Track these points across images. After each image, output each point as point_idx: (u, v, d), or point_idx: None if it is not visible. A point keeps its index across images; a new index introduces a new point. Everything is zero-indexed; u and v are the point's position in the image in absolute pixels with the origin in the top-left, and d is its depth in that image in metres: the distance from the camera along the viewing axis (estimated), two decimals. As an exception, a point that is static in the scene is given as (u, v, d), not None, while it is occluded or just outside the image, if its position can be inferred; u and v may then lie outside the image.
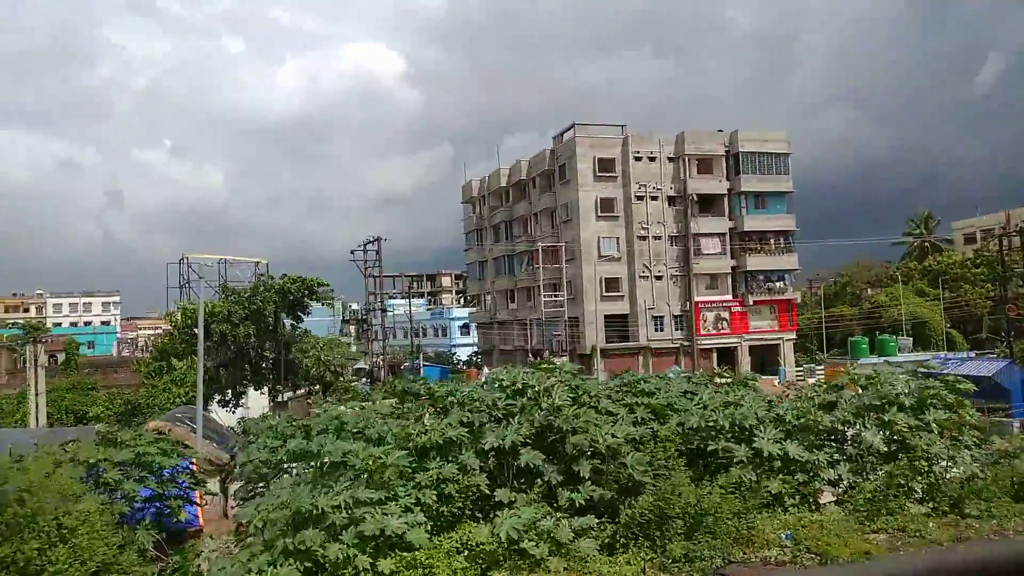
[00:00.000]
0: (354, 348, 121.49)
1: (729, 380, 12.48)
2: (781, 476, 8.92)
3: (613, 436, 8.57)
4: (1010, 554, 2.61)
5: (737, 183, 56.85)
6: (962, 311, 65.08)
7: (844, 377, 10.82)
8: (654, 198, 56.44)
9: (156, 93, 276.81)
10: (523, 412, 8.99)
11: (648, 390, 10.48)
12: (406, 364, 72.06)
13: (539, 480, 8.42)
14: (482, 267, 71.58)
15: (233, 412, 31.75)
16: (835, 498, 9.26)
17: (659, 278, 56.20)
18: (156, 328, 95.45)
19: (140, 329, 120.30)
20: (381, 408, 10.43)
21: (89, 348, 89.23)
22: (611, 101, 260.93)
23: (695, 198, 56.48)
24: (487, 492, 8.26)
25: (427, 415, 9.51)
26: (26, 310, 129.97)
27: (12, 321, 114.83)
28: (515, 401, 9.33)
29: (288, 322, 32.74)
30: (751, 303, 56.84)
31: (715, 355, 56.42)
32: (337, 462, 8.12)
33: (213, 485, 14.62)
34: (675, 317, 56.34)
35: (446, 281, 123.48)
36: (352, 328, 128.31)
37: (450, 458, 8.47)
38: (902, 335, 51.47)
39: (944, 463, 9.60)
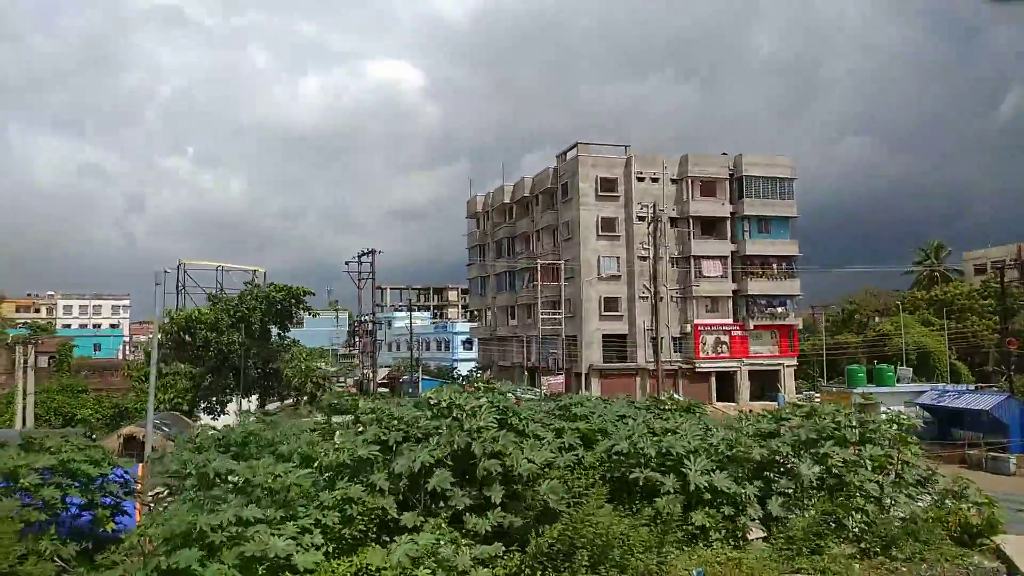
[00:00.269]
0: (357, 360, 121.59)
1: (673, 406, 12.15)
2: (706, 509, 8.60)
3: (529, 461, 8.30)
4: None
5: (740, 207, 56.49)
6: (969, 343, 64.08)
7: (789, 409, 10.48)
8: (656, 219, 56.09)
9: (182, 102, 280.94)
10: (443, 433, 8.75)
11: (582, 414, 10.21)
12: (404, 377, 71.91)
13: (452, 504, 8.16)
14: (484, 282, 71.47)
15: (216, 419, 31.63)
16: (764, 534, 8.93)
17: (659, 299, 55.71)
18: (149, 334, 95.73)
19: (149, 333, 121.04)
20: (304, 424, 10.22)
21: (96, 350, 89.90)
22: (632, 123, 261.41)
23: (692, 220, 56.13)
24: (395, 515, 8.01)
25: (339, 433, 9.28)
26: (37, 311, 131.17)
27: (22, 321, 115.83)
28: (438, 421, 9.10)
29: (276, 331, 32.67)
30: (751, 327, 56.27)
31: (713, 379, 55.89)
32: (244, 480, 7.91)
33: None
34: (674, 339, 55.83)
35: (453, 295, 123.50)
36: (358, 340, 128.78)
37: (361, 478, 8.25)
38: (902, 365, 50.64)
39: (887, 501, 9.24)
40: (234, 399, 32.99)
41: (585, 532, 7.83)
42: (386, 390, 66.28)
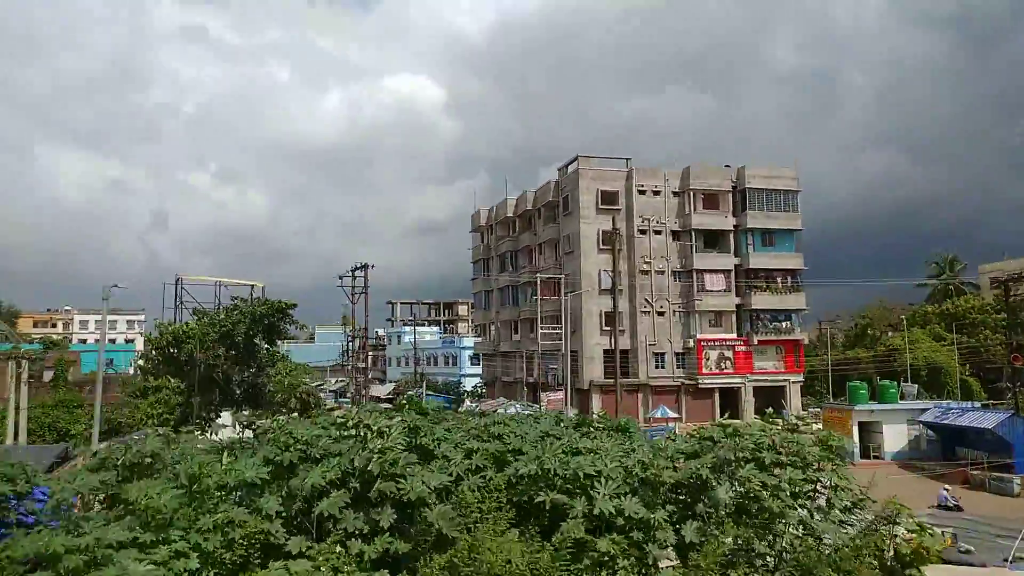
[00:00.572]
0: (370, 374, 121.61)
1: (603, 424, 11.74)
2: (612, 535, 8.23)
3: (424, 484, 7.99)
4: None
5: (744, 219, 55.89)
6: (982, 358, 62.64)
7: (715, 429, 10.07)
8: (657, 232, 55.73)
9: (204, 117, 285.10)
10: (344, 453, 8.48)
11: (501, 432, 9.89)
12: (408, 393, 71.68)
13: (341, 529, 7.87)
14: (488, 297, 71.27)
15: (202, 435, 31.52)
16: (675, 561, 8.54)
17: (661, 313, 55.22)
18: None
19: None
20: (203, 442, 10.02)
21: (109, 365, 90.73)
22: (649, 136, 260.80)
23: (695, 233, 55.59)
24: (282, 539, 7.74)
25: (226, 453, 9.03)
26: (53, 325, 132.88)
27: (38, 336, 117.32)
28: (341, 441, 8.83)
29: (265, 346, 32.59)
30: (756, 343, 55.45)
31: (717, 395, 55.09)
32: (124, 501, 7.70)
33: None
34: (677, 354, 55.20)
35: (463, 310, 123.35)
36: (368, 354, 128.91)
37: (250, 501, 8.01)
38: (908, 382, 49.56)
39: (811, 527, 8.79)
40: (222, 415, 32.88)
41: (480, 559, 7.50)
42: (388, 405, 66.14)
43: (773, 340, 55.94)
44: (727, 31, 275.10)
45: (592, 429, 11.30)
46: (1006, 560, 13.59)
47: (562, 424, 11.45)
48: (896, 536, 9.38)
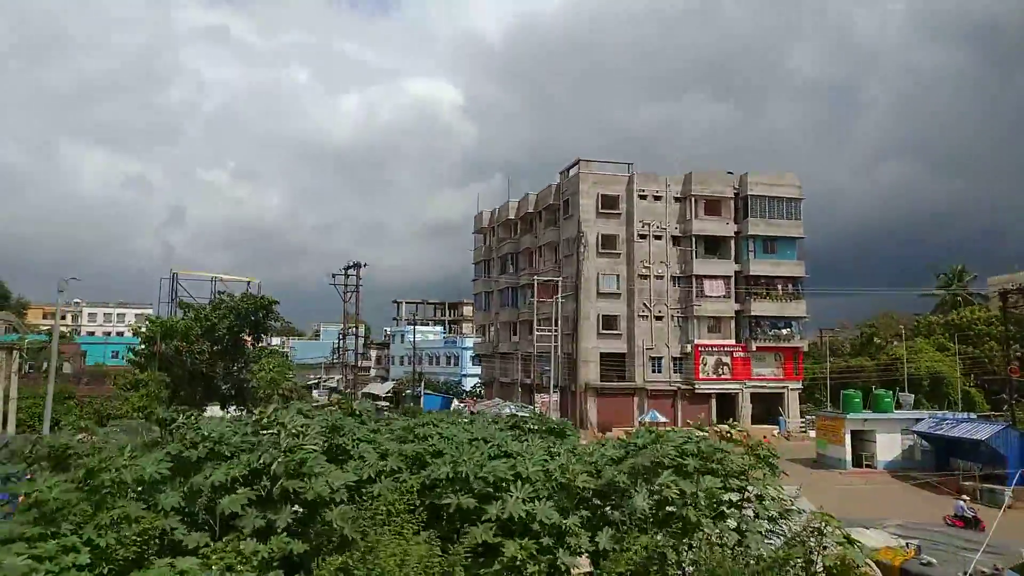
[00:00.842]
0: (373, 372, 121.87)
1: (537, 428, 11.54)
2: (521, 540, 8.05)
3: (327, 484, 7.86)
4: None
5: (745, 226, 55.45)
6: (985, 369, 61.80)
7: (644, 435, 9.84)
8: (658, 237, 55.43)
9: (224, 117, 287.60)
10: (253, 451, 8.36)
11: (425, 434, 9.74)
12: (407, 392, 71.69)
13: (240, 527, 7.75)
14: (488, 298, 71.17)
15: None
16: (588, 568, 8.35)
17: (659, 318, 54.90)
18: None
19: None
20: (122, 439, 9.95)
21: (114, 357, 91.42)
22: (667, 142, 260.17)
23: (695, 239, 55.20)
24: (179, 537, 7.63)
25: (128, 448, 8.93)
26: (63, 318, 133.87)
27: (46, 328, 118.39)
28: (252, 439, 8.72)
29: (251, 341, 32.65)
30: (755, 349, 54.99)
31: (714, 401, 54.70)
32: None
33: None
34: (674, 359, 54.83)
35: (468, 310, 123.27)
36: (372, 352, 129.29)
37: (151, 496, 7.91)
38: (904, 392, 48.90)
39: (728, 539, 8.54)
40: (208, 409, 32.96)
41: (373, 562, 7.37)
42: (385, 404, 66.14)
43: (772, 347, 55.45)
44: (748, 40, 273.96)
45: (528, 432, 11.13)
46: (965, 573, 13.28)
47: (497, 426, 11.27)
48: (826, 548, 9.14)
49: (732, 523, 8.69)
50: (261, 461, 8.19)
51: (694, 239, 55.22)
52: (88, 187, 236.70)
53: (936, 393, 58.98)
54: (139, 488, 8.22)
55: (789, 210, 56.19)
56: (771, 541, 8.95)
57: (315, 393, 66.28)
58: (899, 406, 43.54)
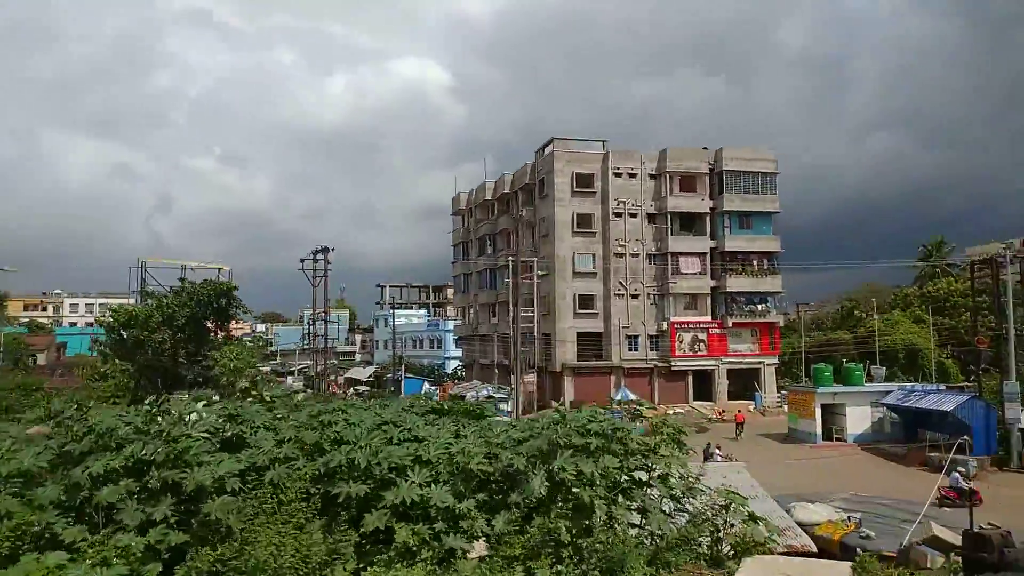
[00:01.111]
0: (358, 357, 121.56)
1: (453, 409, 11.42)
2: (413, 525, 7.94)
3: (211, 474, 7.71)
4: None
5: (721, 202, 55.32)
6: (961, 340, 62.21)
7: (552, 415, 9.70)
8: (633, 215, 55.25)
9: (209, 102, 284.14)
10: (137, 442, 8.19)
11: (330, 421, 9.58)
12: (388, 376, 71.60)
13: (119, 520, 7.60)
14: (467, 280, 70.96)
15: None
16: (486, 552, 8.25)
17: (635, 296, 54.88)
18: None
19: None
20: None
21: (91, 348, 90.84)
22: (659, 119, 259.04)
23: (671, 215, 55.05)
24: (60, 529, 7.48)
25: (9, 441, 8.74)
26: (44, 309, 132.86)
27: (27, 319, 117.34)
28: (146, 430, 8.54)
29: (214, 329, 32.37)
30: (731, 325, 55.11)
31: (691, 378, 54.88)
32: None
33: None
34: (650, 337, 54.90)
35: (452, 293, 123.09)
36: (358, 337, 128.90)
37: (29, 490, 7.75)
38: (875, 364, 49.20)
39: (622, 519, 8.40)
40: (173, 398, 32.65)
41: (249, 552, 7.23)
42: (365, 388, 66.03)
43: (748, 323, 55.61)
44: (738, 13, 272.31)
45: (442, 415, 11.00)
46: (901, 545, 13.32)
47: (414, 410, 11.13)
48: (734, 526, 9.08)
49: (635, 502, 8.60)
50: (144, 452, 8.01)
51: (669, 216, 55.08)
52: (73, 176, 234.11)
53: (912, 365, 59.39)
54: (20, 482, 8.03)
55: (764, 185, 56.08)
56: (674, 520, 8.88)
57: (290, 379, 66.10)
58: (870, 379, 43.76)
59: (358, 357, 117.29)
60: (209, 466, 7.86)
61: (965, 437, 23.64)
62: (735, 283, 55.04)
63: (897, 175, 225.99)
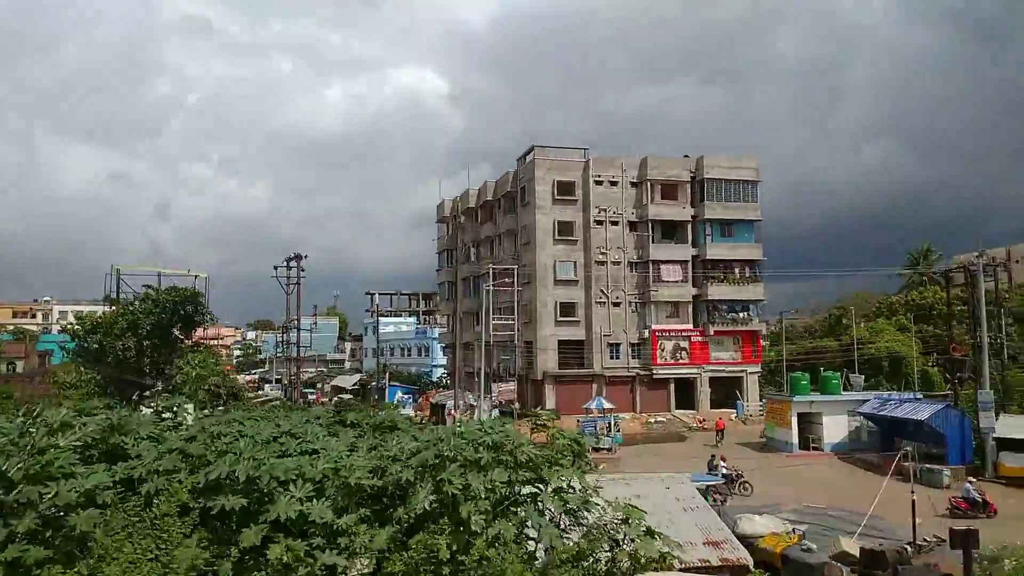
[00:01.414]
0: (348, 365, 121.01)
1: (368, 421, 11.15)
2: (288, 541, 7.69)
3: (75, 489, 7.44)
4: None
5: (702, 210, 55.20)
6: (946, 349, 62.00)
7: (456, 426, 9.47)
8: (614, 223, 55.12)
9: (207, 110, 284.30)
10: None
11: (220, 432, 9.34)
12: (372, 384, 71.30)
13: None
14: (452, 287, 70.67)
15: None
16: (368, 569, 8.00)
17: (616, 304, 54.68)
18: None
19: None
20: None
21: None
22: (655, 128, 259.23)
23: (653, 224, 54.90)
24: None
25: None
26: (33, 316, 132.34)
27: (12, 326, 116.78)
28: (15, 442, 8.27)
29: (180, 336, 32.09)
30: (712, 333, 54.88)
31: (672, 386, 54.64)
32: None
33: None
34: (632, 345, 54.66)
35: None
36: (348, 345, 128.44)
37: None
38: (861, 372, 49.01)
39: (506, 534, 8.11)
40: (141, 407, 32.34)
41: (109, 570, 6.99)
42: (348, 396, 65.70)
43: (730, 331, 55.39)
44: (733, 22, 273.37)
45: (347, 426, 10.74)
46: (830, 556, 13.05)
47: (319, 421, 10.88)
48: (634, 540, 8.81)
49: (535, 516, 8.33)
50: (6, 467, 7.74)
51: (651, 224, 54.95)
52: (70, 183, 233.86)
53: (897, 373, 59.19)
54: None
55: (746, 193, 56.00)
56: (568, 536, 8.61)
57: (268, 387, 65.73)
58: (848, 388, 43.54)
59: (348, 365, 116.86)
60: (77, 479, 7.58)
61: (907, 448, 23.15)
62: (717, 291, 54.86)
63: (891, 184, 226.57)
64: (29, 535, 7.41)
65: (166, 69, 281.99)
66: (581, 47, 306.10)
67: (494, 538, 7.82)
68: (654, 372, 53.86)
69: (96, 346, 29.85)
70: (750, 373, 56.02)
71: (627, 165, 55.93)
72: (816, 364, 65.27)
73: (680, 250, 55.22)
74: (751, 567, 13.41)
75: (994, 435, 33.71)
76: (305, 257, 38.59)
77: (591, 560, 8.52)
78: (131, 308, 30.42)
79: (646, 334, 54.33)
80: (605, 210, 54.94)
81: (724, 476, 29.60)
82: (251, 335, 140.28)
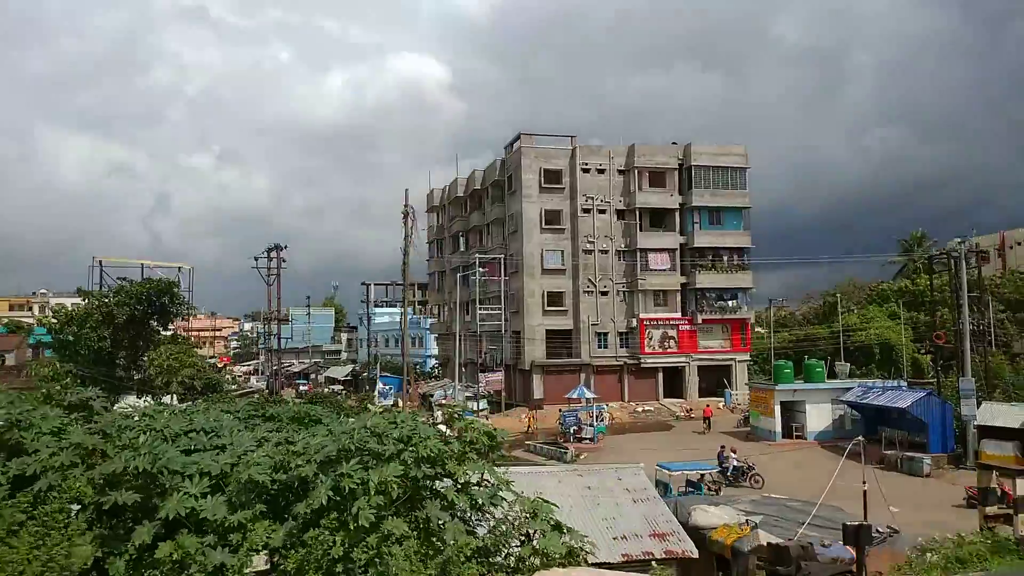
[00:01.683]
0: (344, 356, 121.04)
1: (279, 414, 10.96)
2: (181, 538, 7.55)
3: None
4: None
5: (690, 197, 54.86)
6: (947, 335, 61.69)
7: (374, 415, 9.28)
8: (602, 211, 54.81)
9: (206, 100, 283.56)
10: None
11: (126, 425, 9.18)
12: (363, 374, 71.30)
13: None
14: (442, 277, 70.50)
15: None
16: (265, 567, 7.85)
17: (604, 293, 54.46)
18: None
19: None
20: None
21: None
22: (656, 114, 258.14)
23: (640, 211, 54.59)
24: None
25: None
26: (30, 308, 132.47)
27: (8, 319, 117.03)
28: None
29: (157, 327, 31.98)
30: (700, 321, 54.67)
31: (661, 375, 54.48)
32: None
33: None
34: (620, 334, 54.48)
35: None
36: (344, 336, 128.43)
37: None
38: (851, 360, 48.79)
39: (396, 530, 7.92)
40: (120, 399, 32.28)
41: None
42: (340, 387, 65.70)
43: (719, 319, 55.16)
44: (734, 7, 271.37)
45: (268, 421, 10.58)
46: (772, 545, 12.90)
47: (240, 414, 10.71)
48: (544, 535, 8.63)
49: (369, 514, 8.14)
50: None
51: (638, 212, 54.65)
52: (69, 174, 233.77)
53: (886, 361, 59.00)
54: None
55: (734, 180, 55.62)
56: (473, 532, 8.44)
57: (254, 379, 65.70)
58: (832, 376, 43.35)
59: (344, 355, 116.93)
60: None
61: (860, 438, 22.96)
62: (705, 279, 54.60)
63: (896, 169, 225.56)
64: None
65: (163, 59, 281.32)
66: (582, 33, 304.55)
67: (387, 535, 7.67)
68: (642, 361, 53.70)
69: (71, 339, 29.69)
70: (739, 361, 55.84)
71: (615, 153, 55.58)
72: (809, 352, 65.14)
73: (668, 238, 54.93)
74: (695, 558, 13.27)
75: (975, 423, 33.48)
76: (285, 248, 38.41)
77: (502, 556, 8.38)
78: (104, 300, 30.24)
79: (634, 323, 54.14)
80: (592, 198, 54.62)
81: (735, 468, 29.50)
82: (248, 326, 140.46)
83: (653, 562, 12.77)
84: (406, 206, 29.17)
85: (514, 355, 55.11)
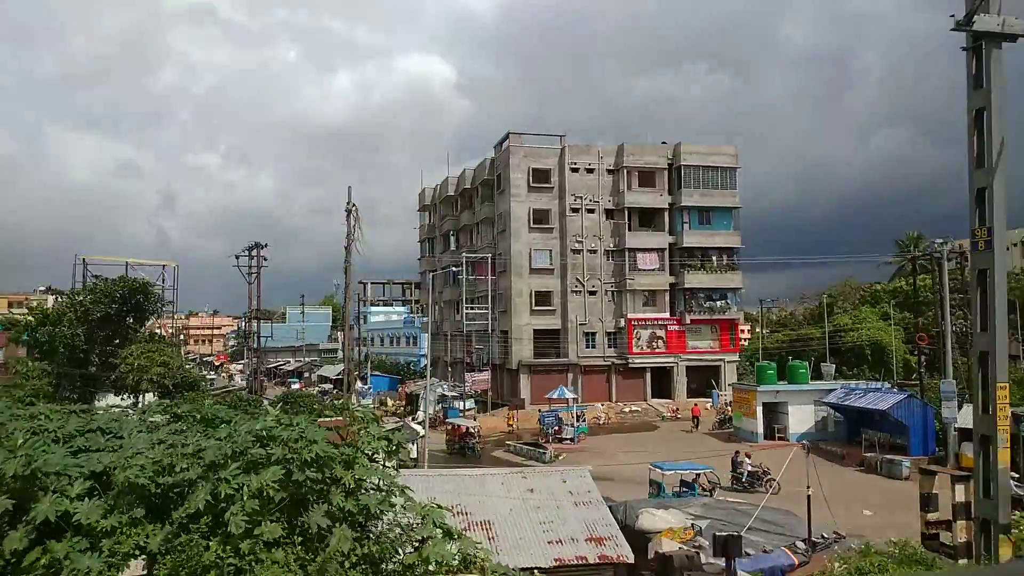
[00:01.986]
0: (340, 354, 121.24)
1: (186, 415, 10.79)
2: (49, 544, 7.41)
3: None
4: None
5: (679, 197, 54.59)
6: (931, 337, 61.34)
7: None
8: (590, 211, 54.59)
9: (214, 99, 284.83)
10: None
11: (39, 428, 9.04)
12: (355, 374, 71.15)
13: None
14: (433, 276, 70.37)
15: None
16: (144, 571, 7.72)
17: (592, 293, 54.25)
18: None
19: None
20: None
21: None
22: (663, 115, 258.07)
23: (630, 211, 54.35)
24: None
25: None
26: (29, 308, 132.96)
27: (3, 316, 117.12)
28: None
29: (133, 326, 31.91)
30: (689, 322, 54.41)
31: (649, 375, 54.26)
32: None
33: None
34: (608, 334, 54.26)
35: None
36: (340, 334, 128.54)
37: None
38: (825, 361, 48.47)
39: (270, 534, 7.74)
40: (98, 398, 32.22)
41: None
42: (329, 386, 65.65)
43: (708, 319, 54.90)
44: (741, 9, 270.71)
45: (176, 419, 10.40)
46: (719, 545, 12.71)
47: (146, 416, 10.54)
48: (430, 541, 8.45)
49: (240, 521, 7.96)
50: None
51: (627, 212, 54.41)
52: (77, 173, 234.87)
53: (878, 362, 58.63)
54: None
55: (724, 180, 55.34)
56: (360, 538, 8.26)
57: (239, 378, 65.71)
58: (816, 376, 43.05)
59: (340, 354, 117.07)
60: None
61: (805, 443, 22.71)
62: (694, 279, 54.34)
63: (902, 171, 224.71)
64: None
65: (171, 59, 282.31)
66: (589, 34, 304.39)
67: (262, 541, 7.51)
68: (630, 361, 53.48)
69: (46, 338, 29.65)
70: (728, 362, 55.56)
71: (604, 152, 55.36)
72: (803, 353, 64.77)
73: (657, 238, 54.68)
74: (631, 564, 13.08)
75: (956, 425, 33.16)
76: (266, 246, 38.34)
77: (393, 563, 8.20)
78: (79, 299, 30.18)
79: (622, 323, 53.92)
80: (581, 198, 54.41)
81: (749, 474, 29.16)
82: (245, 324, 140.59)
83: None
84: (349, 202, 28.95)
85: (502, 354, 54.95)
